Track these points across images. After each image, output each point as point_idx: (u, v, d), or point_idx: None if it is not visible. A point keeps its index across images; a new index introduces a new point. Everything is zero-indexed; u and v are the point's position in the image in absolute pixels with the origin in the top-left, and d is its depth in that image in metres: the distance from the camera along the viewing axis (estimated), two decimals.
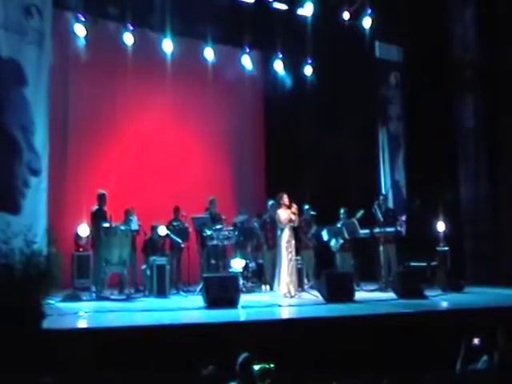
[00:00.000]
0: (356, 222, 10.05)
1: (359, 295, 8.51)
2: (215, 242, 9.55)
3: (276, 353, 4.94)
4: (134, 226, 9.20)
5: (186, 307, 7.50)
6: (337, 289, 8.02)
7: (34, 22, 7.55)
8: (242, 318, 6.68)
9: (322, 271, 8.66)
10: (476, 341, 4.79)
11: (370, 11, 11.51)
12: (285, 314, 7.41)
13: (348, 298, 7.96)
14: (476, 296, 9.01)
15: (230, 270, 9.38)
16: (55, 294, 7.09)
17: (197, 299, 8.04)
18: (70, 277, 8.20)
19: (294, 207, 9.00)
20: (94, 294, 8.48)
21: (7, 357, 4.50)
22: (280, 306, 7.78)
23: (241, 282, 8.84)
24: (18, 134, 7.27)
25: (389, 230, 10.00)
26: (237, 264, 9.46)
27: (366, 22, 11.58)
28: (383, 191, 11.60)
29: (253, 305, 7.61)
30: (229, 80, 12.08)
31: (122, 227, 8.76)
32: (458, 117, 11.91)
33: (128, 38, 10.61)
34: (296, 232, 9.39)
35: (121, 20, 10.66)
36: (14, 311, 4.73)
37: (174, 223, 9.85)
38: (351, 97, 12.51)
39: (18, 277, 5.05)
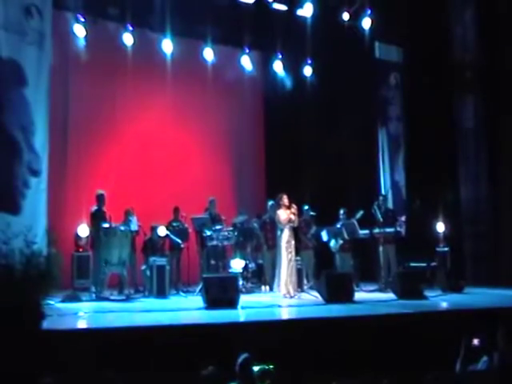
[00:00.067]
0: (355, 222, 10.06)
1: (359, 296, 8.51)
2: (215, 243, 9.56)
3: (276, 353, 4.94)
4: (134, 226, 9.20)
5: (186, 308, 7.50)
6: (336, 289, 8.02)
7: (34, 23, 7.55)
8: (242, 319, 6.67)
9: (322, 272, 8.66)
10: (476, 341, 4.78)
11: (369, 12, 11.51)
12: (284, 314, 7.41)
13: (348, 298, 7.96)
14: (476, 296, 9.01)
15: (230, 271, 9.38)
16: (55, 295, 7.10)
17: (196, 300, 8.04)
18: (69, 277, 8.19)
19: (294, 208, 9.01)
20: (93, 295, 8.48)
21: (7, 357, 4.50)
22: (280, 306, 7.78)
23: (240, 282, 8.84)
24: (18, 134, 7.27)
25: (388, 230, 10.00)
26: (236, 264, 9.46)
27: (366, 23, 11.58)
28: (383, 192, 11.60)
29: (252, 305, 7.60)
30: (228, 80, 12.08)
31: (122, 228, 8.76)
32: (457, 117, 11.92)
33: (128, 39, 10.61)
34: (296, 232, 9.39)
35: (120, 20, 10.66)
36: (14, 311, 4.73)
37: (174, 224, 9.85)
38: (351, 97, 12.52)
39: (18, 277, 5.05)
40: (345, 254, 10.41)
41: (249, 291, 9.48)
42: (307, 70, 12.21)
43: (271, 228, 9.96)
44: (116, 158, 11.34)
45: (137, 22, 10.68)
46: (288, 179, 11.64)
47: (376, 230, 10.05)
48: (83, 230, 8.46)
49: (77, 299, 8.06)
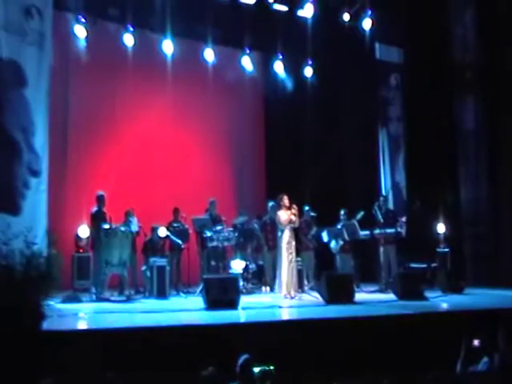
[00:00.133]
0: (356, 223, 10.05)
1: (359, 296, 8.51)
2: (215, 244, 9.55)
3: (276, 354, 4.95)
4: (135, 227, 9.19)
5: (186, 308, 7.50)
6: (337, 290, 8.01)
7: (35, 23, 7.56)
8: (242, 320, 6.67)
9: (322, 272, 8.65)
10: (476, 342, 4.78)
11: (370, 13, 11.50)
12: (285, 315, 7.40)
13: (348, 299, 7.96)
14: (476, 297, 9.00)
15: (230, 272, 9.38)
16: (55, 296, 7.05)
17: (197, 300, 8.03)
18: (70, 278, 8.18)
19: (295, 208, 9.01)
20: (94, 296, 8.48)
21: (7, 358, 4.49)
22: (280, 307, 7.78)
23: (241, 283, 8.83)
24: (18, 134, 7.28)
25: (389, 231, 9.99)
26: (237, 265, 9.46)
27: (366, 24, 11.57)
28: (383, 192, 11.60)
29: (253, 306, 7.59)
30: (229, 81, 12.07)
31: (122, 228, 8.76)
32: (458, 118, 11.92)
33: (128, 39, 10.60)
34: (296, 233, 9.39)
35: (121, 21, 10.66)
36: (14, 312, 4.73)
37: (174, 224, 9.85)
38: (351, 98, 12.54)
39: (18, 278, 5.05)
40: (345, 254, 10.41)
41: (249, 292, 9.47)
42: (308, 71, 12.20)
43: (272, 229, 9.95)
44: (116, 158, 11.34)
45: (137, 22, 10.67)
46: (288, 180, 11.64)
47: (376, 231, 10.05)
48: (83, 231, 8.46)
49: (77, 300, 8.06)
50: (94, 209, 9.02)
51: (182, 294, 9.27)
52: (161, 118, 11.85)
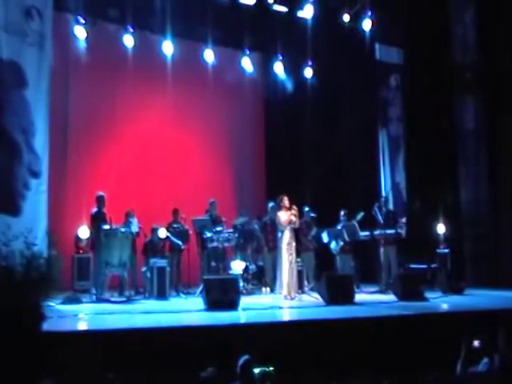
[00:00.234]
0: (356, 224, 10.05)
1: (359, 297, 8.51)
2: (215, 244, 9.56)
3: (276, 355, 4.95)
4: (135, 228, 9.18)
5: (186, 309, 7.49)
6: (337, 291, 8.01)
7: (35, 24, 7.57)
8: (243, 321, 6.67)
9: (323, 273, 8.65)
10: (476, 343, 4.78)
11: (370, 13, 11.49)
12: (285, 316, 7.39)
13: (348, 300, 7.95)
14: (476, 298, 9.00)
15: (231, 272, 9.38)
16: (55, 296, 7.07)
17: (197, 301, 8.02)
18: (70, 279, 8.19)
19: (295, 209, 9.01)
20: (94, 296, 8.48)
21: (7, 359, 4.49)
22: (280, 308, 7.77)
23: (241, 284, 8.83)
24: (19, 135, 7.29)
25: (389, 232, 9.99)
26: (237, 266, 9.45)
27: (366, 24, 11.57)
28: (383, 193, 11.60)
29: (253, 307, 7.59)
30: (229, 82, 12.07)
31: (122, 229, 8.76)
32: (458, 118, 11.93)
33: (128, 40, 10.60)
34: (296, 234, 9.38)
35: (121, 22, 10.66)
36: (14, 313, 4.72)
37: (174, 225, 9.85)
38: (351, 98, 12.54)
39: (18, 279, 5.04)
40: (345, 255, 10.40)
41: (249, 293, 9.47)
42: (308, 72, 12.20)
43: (272, 229, 9.95)
44: (116, 159, 11.35)
45: (137, 23, 10.67)
46: (288, 180, 11.65)
47: (377, 232, 10.05)
48: (83, 232, 8.46)
49: (77, 301, 8.05)
50: (94, 210, 9.03)
51: (182, 295, 9.27)
52: (161, 119, 11.86)
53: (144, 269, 9.25)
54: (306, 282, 10.02)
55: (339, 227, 10.29)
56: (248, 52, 11.87)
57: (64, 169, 10.68)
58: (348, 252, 10.41)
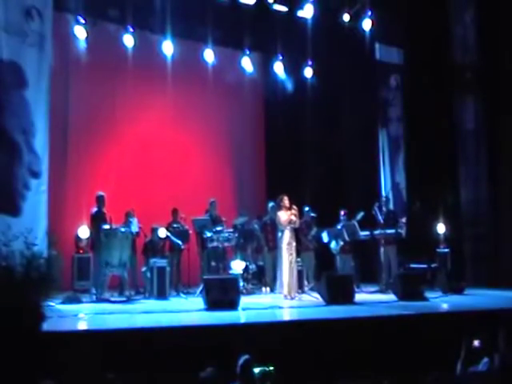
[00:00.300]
0: (356, 223, 10.05)
1: (359, 297, 8.51)
2: (215, 244, 9.56)
3: (276, 355, 4.95)
4: (135, 228, 9.18)
5: (186, 309, 7.49)
6: (337, 291, 8.01)
7: (35, 25, 7.58)
8: (243, 320, 6.67)
9: (323, 273, 8.65)
10: (476, 343, 4.78)
11: (370, 13, 11.49)
12: (285, 315, 7.39)
13: (348, 299, 7.95)
14: (476, 298, 9.00)
15: (230, 272, 9.38)
16: (55, 296, 7.09)
17: (197, 301, 8.03)
18: (70, 279, 8.19)
19: (295, 209, 9.01)
20: (94, 296, 8.48)
21: (7, 359, 4.50)
22: (280, 307, 7.77)
23: (241, 283, 8.83)
24: (19, 135, 7.29)
25: (389, 231, 9.99)
26: (237, 266, 9.45)
27: (366, 24, 11.56)
28: (384, 193, 11.60)
29: (253, 307, 7.59)
30: (229, 82, 12.07)
31: (122, 229, 8.76)
32: (458, 118, 11.93)
33: (128, 40, 10.60)
34: (296, 234, 9.38)
35: (121, 22, 10.66)
36: (14, 313, 4.73)
37: (174, 225, 9.85)
38: (351, 99, 12.55)
39: (19, 279, 5.05)
40: (345, 255, 10.40)
41: (249, 292, 9.47)
42: (308, 72, 12.20)
43: (272, 229, 9.96)
44: (116, 159, 11.35)
45: (137, 23, 10.67)
46: (288, 180, 11.66)
47: (377, 232, 10.05)
48: (83, 232, 8.46)
49: (77, 301, 8.06)
50: (94, 209, 9.03)
51: (182, 295, 9.27)
52: (161, 119, 11.86)
53: (144, 269, 9.25)
54: (306, 282, 10.02)
55: (339, 227, 10.29)
56: (248, 52, 11.87)
57: (64, 169, 10.68)
58: (348, 252, 10.41)
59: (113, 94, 11.46)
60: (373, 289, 9.93)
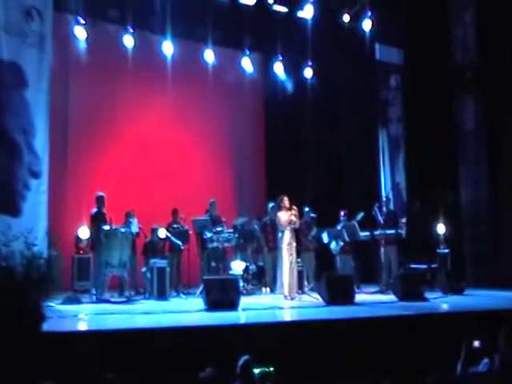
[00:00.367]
0: (356, 224, 10.05)
1: (360, 297, 8.51)
2: (215, 245, 9.56)
3: (276, 355, 4.94)
4: (135, 228, 9.19)
5: (187, 309, 7.49)
6: (337, 291, 8.01)
7: (35, 25, 7.58)
8: (243, 321, 6.67)
9: (323, 273, 8.65)
10: (477, 343, 4.78)
11: (370, 13, 11.48)
12: (285, 316, 7.40)
13: (348, 300, 7.95)
14: (477, 298, 9.00)
15: (231, 273, 9.38)
16: (55, 297, 7.08)
17: (197, 301, 8.03)
18: (70, 279, 8.20)
19: (295, 209, 9.01)
20: (94, 297, 8.47)
21: (7, 359, 4.50)
22: (280, 308, 7.77)
23: (241, 284, 8.83)
24: (19, 136, 7.30)
25: (389, 232, 9.98)
26: (237, 266, 9.46)
27: (366, 25, 11.55)
28: (384, 193, 11.60)
29: (253, 307, 7.59)
30: (229, 82, 12.07)
31: (122, 229, 8.76)
32: (458, 118, 11.93)
33: (128, 41, 10.60)
34: (296, 234, 9.38)
35: (121, 22, 10.65)
36: (14, 313, 4.73)
37: (174, 225, 9.85)
38: (351, 99, 12.55)
39: (19, 279, 5.05)
40: (345, 255, 10.39)
41: (249, 293, 9.47)
42: (308, 72, 12.19)
43: (272, 230, 9.96)
44: (116, 160, 11.35)
45: (137, 23, 10.67)
46: (289, 181, 11.66)
47: (377, 232, 10.05)
48: (84, 232, 8.46)
49: (77, 301, 8.06)
50: (94, 210, 9.03)
51: (182, 295, 9.27)
52: (161, 119, 11.86)
53: (144, 269, 9.25)
54: (306, 283, 10.02)
55: (339, 227, 10.28)
56: (248, 52, 11.87)
57: (64, 169, 10.68)
58: (348, 252, 10.40)
59: (113, 95, 11.46)
60: (373, 289, 9.93)
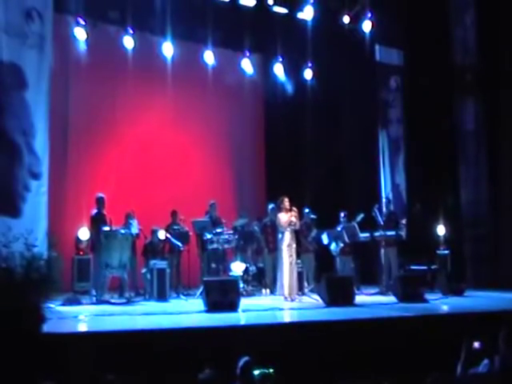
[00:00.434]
0: (356, 225, 10.04)
1: (359, 299, 8.51)
2: (215, 246, 9.55)
3: (276, 356, 4.94)
4: (135, 229, 9.18)
5: (187, 311, 7.49)
6: (337, 292, 8.01)
7: (35, 26, 7.59)
8: (243, 322, 6.68)
9: (323, 275, 8.66)
10: (477, 344, 4.77)
11: (370, 15, 11.48)
12: (285, 317, 7.40)
13: (348, 301, 7.95)
14: (477, 299, 9.00)
15: (231, 274, 9.38)
16: (55, 298, 7.07)
17: (197, 303, 8.03)
18: (70, 280, 8.21)
19: (295, 211, 9.00)
20: (94, 298, 8.47)
21: (7, 360, 4.49)
22: (280, 309, 7.78)
23: (241, 285, 8.83)
24: (19, 137, 7.30)
25: (389, 233, 9.98)
26: (237, 267, 9.46)
27: (366, 26, 11.54)
28: (384, 194, 11.60)
29: (253, 308, 7.59)
30: (229, 83, 12.08)
31: (122, 231, 8.76)
32: (458, 119, 11.93)
33: (128, 42, 10.59)
34: (297, 235, 9.38)
35: (121, 23, 10.65)
36: (14, 314, 4.73)
37: (174, 227, 9.85)
38: (351, 100, 12.55)
39: (19, 280, 5.05)
40: (345, 257, 10.38)
41: (249, 294, 9.47)
42: (308, 73, 12.19)
43: (272, 231, 9.96)
44: (116, 161, 11.35)
45: (137, 25, 10.66)
46: (288, 182, 11.66)
47: (377, 233, 10.05)
48: (84, 233, 8.47)
49: (77, 302, 8.06)
50: (94, 211, 9.03)
51: (182, 297, 9.27)
52: (161, 121, 11.86)
53: (144, 270, 9.25)
54: (306, 284, 10.01)
55: (339, 229, 10.27)
56: (248, 53, 11.86)
57: (64, 170, 10.68)
58: (348, 253, 10.39)
59: (113, 96, 11.46)
60: (373, 290, 9.92)
